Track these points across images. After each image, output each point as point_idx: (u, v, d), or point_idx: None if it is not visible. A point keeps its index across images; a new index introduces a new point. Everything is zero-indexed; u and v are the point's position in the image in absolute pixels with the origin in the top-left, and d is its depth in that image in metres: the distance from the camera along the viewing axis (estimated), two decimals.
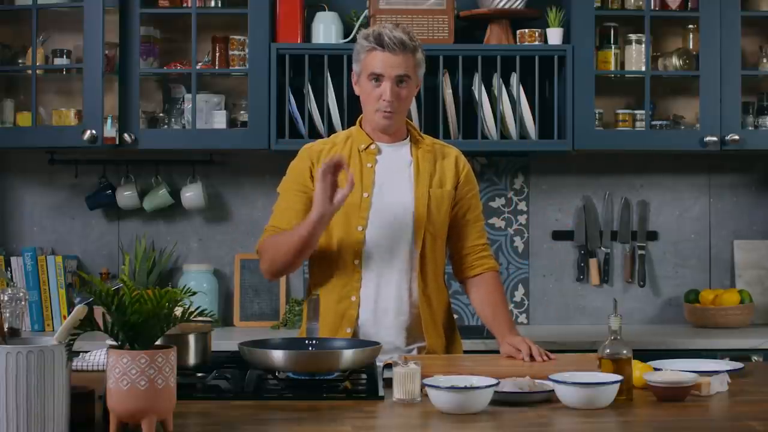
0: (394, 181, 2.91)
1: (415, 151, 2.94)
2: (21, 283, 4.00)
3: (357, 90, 2.94)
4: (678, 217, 4.31)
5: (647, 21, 3.99)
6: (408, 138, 2.96)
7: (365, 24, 3.98)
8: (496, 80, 3.93)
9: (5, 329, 2.23)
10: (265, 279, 4.14)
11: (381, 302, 2.87)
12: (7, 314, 2.60)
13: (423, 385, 2.29)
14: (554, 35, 3.97)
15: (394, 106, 2.85)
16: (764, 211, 4.31)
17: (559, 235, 4.28)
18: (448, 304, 3.00)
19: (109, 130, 3.92)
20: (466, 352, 3.08)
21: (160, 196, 4.14)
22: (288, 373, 2.44)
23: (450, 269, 3.04)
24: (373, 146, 2.92)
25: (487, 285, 2.97)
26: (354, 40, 3.93)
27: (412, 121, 3.09)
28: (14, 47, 4.12)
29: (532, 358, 2.73)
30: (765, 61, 4.16)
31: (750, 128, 4.11)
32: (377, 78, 2.84)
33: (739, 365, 2.70)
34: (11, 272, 4.03)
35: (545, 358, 2.73)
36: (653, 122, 4.08)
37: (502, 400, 2.28)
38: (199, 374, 2.47)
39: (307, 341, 2.65)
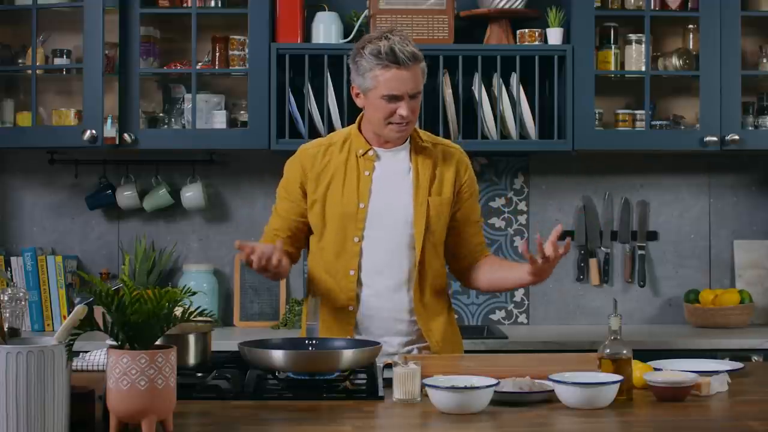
0: (392, 189, 2.86)
1: (415, 156, 2.88)
2: (21, 283, 4.00)
3: (360, 103, 2.85)
4: (678, 217, 4.31)
5: (647, 21, 3.99)
6: (407, 141, 2.90)
7: (365, 24, 3.98)
8: (496, 80, 3.93)
9: (5, 329, 2.23)
10: (265, 279, 4.18)
11: (380, 312, 2.85)
12: (7, 314, 2.60)
13: (423, 385, 2.29)
14: (554, 35, 3.97)
15: (410, 119, 2.81)
16: (764, 211, 4.31)
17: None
18: (449, 307, 2.98)
19: (109, 130, 3.91)
20: (466, 352, 3.07)
21: (160, 196, 4.14)
22: (288, 373, 2.44)
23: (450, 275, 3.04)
24: (371, 152, 2.87)
25: (486, 259, 2.96)
26: (354, 40, 3.95)
27: None
28: (14, 47, 4.12)
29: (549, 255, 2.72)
30: (765, 61, 4.16)
31: (750, 128, 4.11)
32: (394, 98, 2.77)
33: (739, 365, 2.70)
34: (11, 272, 4.03)
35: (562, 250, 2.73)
36: (653, 122, 4.08)
37: (502, 400, 2.28)
38: (199, 374, 2.47)
39: (307, 341, 2.65)
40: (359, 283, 2.84)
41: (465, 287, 3.05)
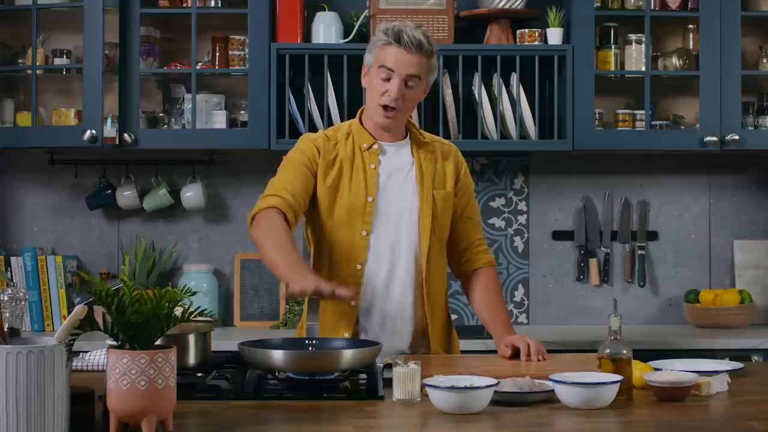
0: (398, 183, 2.87)
1: (417, 151, 2.90)
2: (21, 283, 4.00)
3: (364, 82, 2.90)
4: (678, 217, 4.31)
5: (647, 21, 3.99)
6: (408, 137, 2.93)
7: (365, 24, 3.98)
8: (496, 80, 3.93)
9: (5, 329, 2.23)
10: (265, 279, 4.19)
11: (384, 307, 2.85)
12: (7, 314, 2.60)
13: (423, 385, 2.29)
14: (554, 35, 3.97)
15: (398, 104, 2.80)
16: (764, 211, 4.31)
17: (559, 235, 4.28)
18: (447, 305, 2.99)
19: (109, 130, 3.92)
20: (466, 352, 3.07)
21: (160, 196, 4.14)
22: (288, 373, 2.44)
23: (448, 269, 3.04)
24: (375, 146, 2.88)
25: (484, 282, 2.96)
26: (354, 40, 3.96)
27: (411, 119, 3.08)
28: (14, 47, 4.12)
29: (528, 357, 2.72)
30: (765, 61, 4.16)
31: (750, 128, 4.11)
32: (387, 72, 2.79)
33: (739, 365, 2.70)
34: (11, 272, 4.03)
35: (542, 357, 2.73)
36: (653, 122, 4.08)
37: (502, 400, 2.28)
38: (199, 374, 2.47)
39: (307, 341, 2.65)
40: (364, 277, 2.83)
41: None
